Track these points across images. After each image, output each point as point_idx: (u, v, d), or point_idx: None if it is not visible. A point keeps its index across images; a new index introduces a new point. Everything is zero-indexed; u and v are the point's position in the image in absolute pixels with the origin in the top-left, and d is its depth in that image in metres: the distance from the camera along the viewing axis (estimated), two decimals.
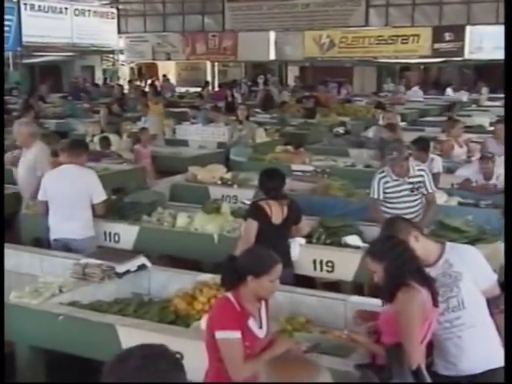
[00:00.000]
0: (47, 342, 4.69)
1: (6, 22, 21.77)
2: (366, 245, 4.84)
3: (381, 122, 12.63)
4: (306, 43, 26.44)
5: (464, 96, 22.07)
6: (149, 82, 27.83)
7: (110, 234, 6.85)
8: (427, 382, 3.40)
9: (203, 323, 3.93)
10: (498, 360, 3.58)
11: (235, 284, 3.45)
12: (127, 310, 4.76)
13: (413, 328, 3.36)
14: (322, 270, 5.89)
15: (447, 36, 24.19)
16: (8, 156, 8.28)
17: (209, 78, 29.47)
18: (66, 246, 6.20)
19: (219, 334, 3.33)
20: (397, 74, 29.02)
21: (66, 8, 26.34)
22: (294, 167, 9.38)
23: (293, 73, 29.61)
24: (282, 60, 28.30)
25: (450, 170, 8.79)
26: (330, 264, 5.86)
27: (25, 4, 24.38)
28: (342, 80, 26.13)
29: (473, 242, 5.57)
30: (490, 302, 3.81)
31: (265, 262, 3.46)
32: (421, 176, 6.26)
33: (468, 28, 23.87)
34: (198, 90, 25.63)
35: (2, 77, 21.27)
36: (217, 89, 27.12)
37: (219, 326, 3.35)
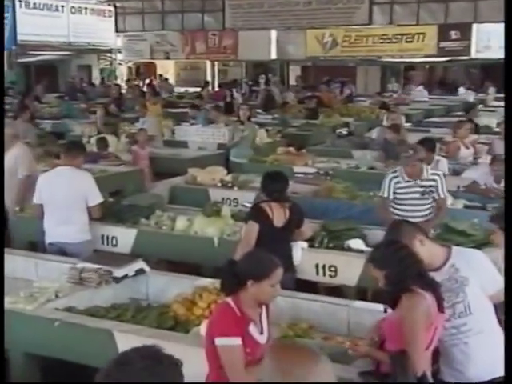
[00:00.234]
0: (42, 348, 4.69)
1: None
2: (370, 249, 4.84)
3: (385, 122, 12.65)
4: (308, 42, 26.44)
5: (471, 96, 22.06)
6: (146, 81, 27.85)
7: (107, 237, 6.85)
8: None
9: (203, 329, 3.93)
10: None
11: (235, 289, 3.45)
12: (125, 316, 4.76)
13: (417, 334, 3.36)
14: (324, 274, 5.89)
15: (453, 34, 24.16)
16: None
17: (209, 78, 29.46)
18: (62, 251, 6.20)
19: (219, 341, 3.33)
20: (401, 73, 29.03)
21: (63, 6, 26.32)
22: (296, 169, 9.39)
23: (294, 72, 29.59)
24: (283, 59, 28.30)
25: (456, 172, 8.78)
26: (332, 268, 5.85)
27: (20, 1, 24.37)
28: (345, 80, 26.13)
29: (479, 245, 5.55)
30: (498, 308, 3.81)
31: (265, 266, 3.46)
32: (434, 180, 6.22)
33: (475, 26, 23.83)
34: (198, 90, 25.62)
35: (2, 77, 21.29)
36: (217, 89, 27.14)
37: (219, 333, 3.35)
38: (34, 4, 25.10)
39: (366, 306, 4.63)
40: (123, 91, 23.57)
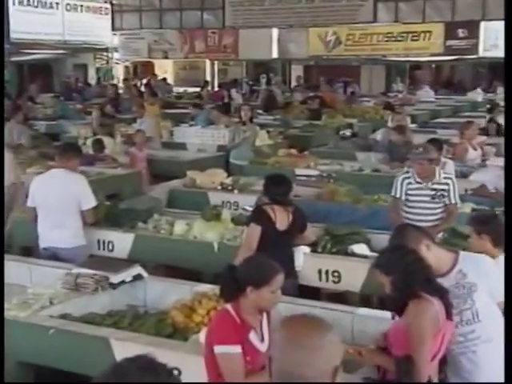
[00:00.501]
0: (37, 357, 4.68)
1: None
2: (374, 254, 4.84)
3: (390, 123, 12.64)
4: (310, 41, 26.47)
5: (479, 96, 22.04)
6: (144, 81, 27.86)
7: (103, 242, 6.85)
8: None
9: (202, 337, 3.92)
10: None
11: (235, 295, 3.45)
12: (122, 323, 4.76)
13: (424, 341, 3.35)
14: (327, 280, 5.89)
15: (460, 32, 24.18)
16: None
17: (208, 78, 29.48)
18: (56, 256, 6.18)
19: (218, 349, 3.33)
20: (407, 73, 29.04)
21: (57, 3, 26.36)
22: (298, 171, 9.37)
23: (296, 72, 29.64)
24: (285, 58, 28.34)
25: (463, 175, 8.74)
26: (336, 274, 5.85)
27: None
28: (348, 79, 26.14)
29: None
30: None
31: (265, 271, 3.45)
32: (446, 184, 6.15)
33: (482, 24, 23.84)
34: (197, 90, 25.63)
35: (2, 77, 21.29)
36: (216, 89, 27.14)
37: (218, 341, 3.34)
38: (28, 1, 25.12)
39: (370, 313, 4.62)
40: (120, 91, 23.58)
